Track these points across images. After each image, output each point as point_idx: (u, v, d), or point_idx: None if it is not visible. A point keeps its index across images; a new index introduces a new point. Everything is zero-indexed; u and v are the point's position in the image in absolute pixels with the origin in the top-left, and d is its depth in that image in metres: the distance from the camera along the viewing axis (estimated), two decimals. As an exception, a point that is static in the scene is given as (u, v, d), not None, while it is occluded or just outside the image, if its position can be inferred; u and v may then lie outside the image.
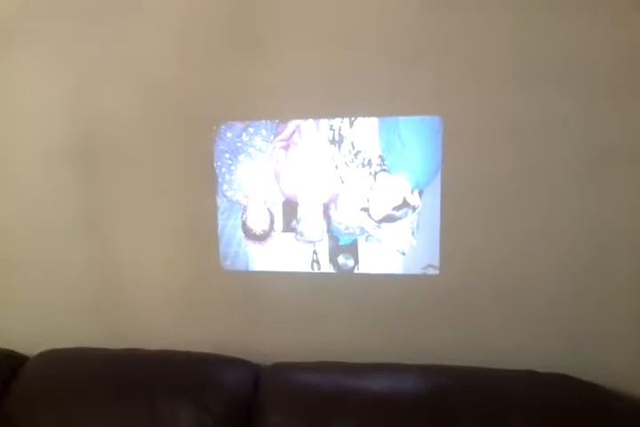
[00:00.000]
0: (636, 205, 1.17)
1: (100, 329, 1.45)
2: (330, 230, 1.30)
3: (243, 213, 1.33)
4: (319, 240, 1.31)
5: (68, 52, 1.33)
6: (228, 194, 1.33)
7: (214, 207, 1.34)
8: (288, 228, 1.32)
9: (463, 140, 1.21)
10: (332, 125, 1.26)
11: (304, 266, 1.33)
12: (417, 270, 1.27)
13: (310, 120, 1.27)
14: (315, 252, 1.32)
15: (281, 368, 1.26)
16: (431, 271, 1.27)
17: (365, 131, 1.25)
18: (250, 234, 1.34)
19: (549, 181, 1.19)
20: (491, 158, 1.20)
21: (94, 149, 1.37)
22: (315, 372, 1.24)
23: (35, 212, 1.42)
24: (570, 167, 1.18)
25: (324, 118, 1.26)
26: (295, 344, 1.35)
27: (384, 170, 1.25)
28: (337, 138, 1.26)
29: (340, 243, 1.30)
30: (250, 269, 1.35)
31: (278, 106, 1.27)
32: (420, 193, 1.24)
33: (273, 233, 1.33)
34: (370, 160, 1.26)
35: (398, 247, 1.27)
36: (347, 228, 1.29)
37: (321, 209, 1.30)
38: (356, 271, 1.31)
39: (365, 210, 1.28)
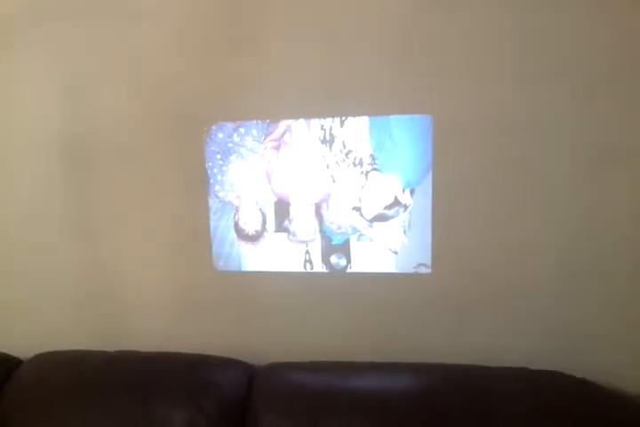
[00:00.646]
0: (634, 204, 1.17)
1: (94, 331, 1.45)
2: (322, 230, 1.30)
3: (235, 214, 1.33)
4: (311, 240, 1.31)
5: (65, 53, 1.33)
6: (220, 194, 1.33)
7: (206, 208, 1.33)
8: (280, 228, 1.32)
9: (457, 139, 1.20)
10: (322, 125, 1.26)
11: (297, 266, 1.33)
12: (409, 269, 1.27)
13: (301, 120, 1.26)
14: (307, 252, 1.32)
15: (275, 368, 1.27)
16: (423, 270, 1.27)
17: (356, 130, 1.24)
18: (242, 234, 1.34)
19: (543, 180, 1.19)
20: (484, 157, 1.20)
21: (86, 150, 1.37)
22: (308, 372, 1.24)
23: (30, 214, 1.42)
24: (565, 167, 1.18)
25: (316, 118, 1.25)
26: (289, 344, 1.35)
27: (375, 169, 1.25)
28: (328, 137, 1.26)
29: (333, 242, 1.31)
30: (243, 270, 1.35)
31: (269, 106, 1.27)
32: (412, 192, 1.24)
33: (265, 233, 1.33)
34: (361, 159, 1.26)
35: (390, 246, 1.28)
36: (339, 227, 1.30)
37: (313, 209, 1.30)
38: (348, 271, 1.31)
39: (357, 209, 1.28)
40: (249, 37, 1.24)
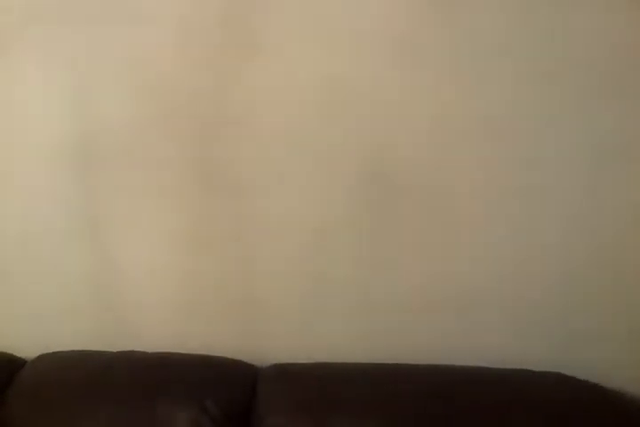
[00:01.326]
0: (635, 204, 1.17)
1: (97, 332, 1.44)
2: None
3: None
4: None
5: (67, 55, 1.33)
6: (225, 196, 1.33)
7: (213, 207, 1.34)
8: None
9: (459, 141, 1.21)
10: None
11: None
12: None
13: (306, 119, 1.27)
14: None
15: (279, 370, 1.26)
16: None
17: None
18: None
19: (546, 180, 1.20)
20: (489, 159, 1.21)
21: (92, 152, 1.37)
22: (313, 373, 1.24)
23: (32, 213, 1.42)
24: (568, 167, 1.19)
25: (319, 118, 1.27)
26: (293, 345, 1.35)
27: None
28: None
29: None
30: (248, 270, 1.35)
31: (275, 107, 1.28)
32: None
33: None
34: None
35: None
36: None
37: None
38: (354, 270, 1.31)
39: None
40: (251, 40, 1.26)
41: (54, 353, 1.38)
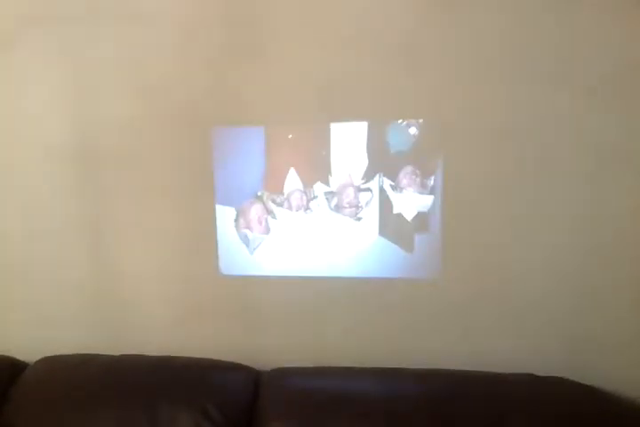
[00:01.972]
0: (638, 204, 1.17)
1: (99, 335, 1.45)
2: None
3: (241, 218, 1.33)
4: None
5: (68, 56, 1.34)
6: (226, 198, 1.33)
7: (212, 212, 1.34)
8: (286, 232, 1.32)
9: (463, 141, 1.21)
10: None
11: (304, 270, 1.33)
12: (417, 275, 1.27)
13: (305, 124, 1.27)
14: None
15: (281, 374, 1.27)
16: (431, 275, 1.27)
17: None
18: (248, 239, 1.34)
19: (549, 182, 1.20)
20: (490, 160, 1.21)
21: (93, 153, 1.37)
22: (314, 377, 1.24)
23: (33, 216, 1.43)
24: (571, 168, 1.18)
25: (320, 122, 1.26)
26: (295, 349, 1.35)
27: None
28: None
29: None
30: (249, 274, 1.35)
31: (274, 111, 1.28)
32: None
33: (271, 237, 1.33)
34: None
35: (400, 251, 1.28)
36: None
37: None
38: (355, 276, 1.31)
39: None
40: (250, 43, 1.25)
41: (56, 356, 1.38)
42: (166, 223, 1.37)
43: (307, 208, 1.30)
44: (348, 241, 1.29)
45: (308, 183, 1.29)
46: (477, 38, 1.17)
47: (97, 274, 1.43)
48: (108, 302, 1.44)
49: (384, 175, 1.26)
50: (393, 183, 1.26)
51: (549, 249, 1.22)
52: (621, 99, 1.14)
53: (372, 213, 1.27)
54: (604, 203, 1.18)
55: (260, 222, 1.32)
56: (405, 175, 1.25)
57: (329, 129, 1.26)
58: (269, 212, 1.32)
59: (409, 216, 1.26)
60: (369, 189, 1.27)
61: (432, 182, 1.24)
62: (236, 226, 1.34)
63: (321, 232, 1.30)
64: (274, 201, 1.31)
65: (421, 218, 1.25)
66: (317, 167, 1.28)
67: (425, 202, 1.25)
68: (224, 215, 1.33)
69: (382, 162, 1.25)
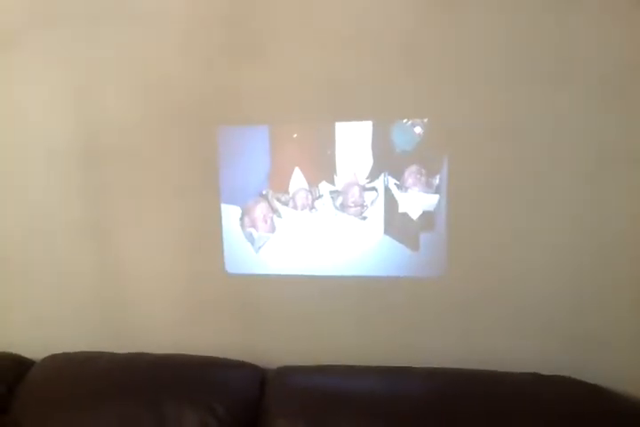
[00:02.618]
0: (638, 205, 1.17)
1: (104, 333, 1.46)
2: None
3: (246, 217, 1.34)
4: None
5: (71, 55, 1.34)
6: (232, 197, 1.33)
7: (218, 210, 1.34)
8: (292, 231, 1.32)
9: (468, 141, 1.21)
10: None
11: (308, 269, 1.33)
12: (423, 273, 1.28)
13: (310, 124, 1.27)
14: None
15: (286, 372, 1.27)
16: (436, 274, 1.27)
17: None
18: (253, 237, 1.34)
19: (551, 182, 1.20)
20: (495, 159, 1.21)
21: (97, 153, 1.38)
22: (320, 375, 1.24)
23: (37, 216, 1.43)
24: (572, 168, 1.18)
25: (325, 122, 1.26)
26: (300, 348, 1.35)
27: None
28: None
29: (344, 246, 1.31)
30: (254, 273, 1.36)
31: (279, 110, 1.28)
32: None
33: (276, 236, 1.33)
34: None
35: (404, 250, 1.28)
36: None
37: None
38: (360, 274, 1.31)
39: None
40: (255, 42, 1.26)
41: (62, 354, 1.39)
42: (171, 222, 1.37)
43: (312, 207, 1.30)
44: (353, 240, 1.30)
45: (313, 182, 1.29)
46: (480, 38, 1.17)
47: (102, 272, 1.43)
48: (114, 300, 1.44)
49: (389, 174, 1.26)
50: (398, 182, 1.26)
51: (553, 248, 1.22)
52: (623, 99, 1.14)
53: (377, 212, 1.28)
54: (606, 203, 1.18)
55: (266, 221, 1.33)
56: (410, 174, 1.25)
57: (334, 128, 1.26)
58: (275, 211, 1.32)
59: (414, 215, 1.26)
60: (374, 189, 1.27)
61: (437, 181, 1.24)
62: (242, 225, 1.34)
63: (326, 231, 1.31)
64: (279, 200, 1.31)
65: (427, 217, 1.26)
66: (322, 166, 1.28)
67: (430, 201, 1.25)
68: (229, 214, 1.34)
69: (387, 161, 1.26)
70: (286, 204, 1.31)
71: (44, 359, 1.38)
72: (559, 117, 1.17)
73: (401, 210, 1.27)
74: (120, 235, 1.40)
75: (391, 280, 1.29)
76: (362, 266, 1.30)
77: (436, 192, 1.25)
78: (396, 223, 1.27)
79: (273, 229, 1.33)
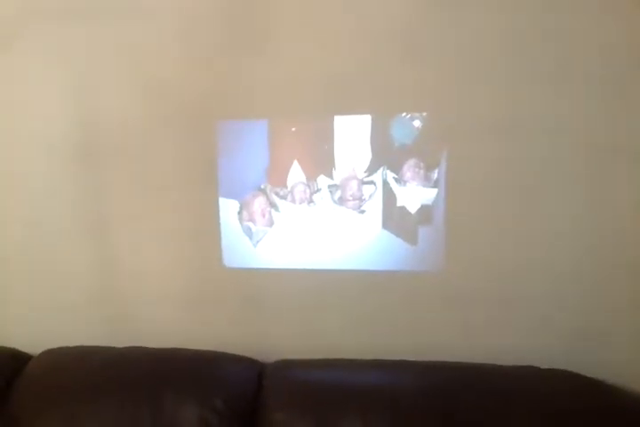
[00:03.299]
0: (638, 203, 1.17)
1: (103, 327, 1.45)
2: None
3: (244, 211, 1.33)
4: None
5: (69, 52, 1.33)
6: (230, 191, 1.33)
7: (216, 204, 1.34)
8: (290, 225, 1.32)
9: (466, 135, 1.21)
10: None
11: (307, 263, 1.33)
12: (421, 267, 1.28)
13: (309, 118, 1.27)
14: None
15: (285, 366, 1.27)
16: (434, 268, 1.27)
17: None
18: (252, 231, 1.34)
19: (550, 176, 1.20)
20: (494, 153, 1.21)
21: (95, 148, 1.37)
22: (319, 369, 1.24)
23: (36, 211, 1.43)
24: (573, 167, 1.19)
25: (324, 115, 1.26)
26: (299, 341, 1.35)
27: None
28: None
29: (343, 240, 1.31)
30: (252, 267, 1.35)
31: (278, 104, 1.28)
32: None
33: (275, 230, 1.33)
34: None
35: (404, 244, 1.28)
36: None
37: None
38: (358, 268, 1.31)
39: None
40: (253, 37, 1.25)
41: (59, 348, 1.38)
42: (169, 216, 1.37)
43: (310, 201, 1.30)
44: (351, 234, 1.30)
45: (311, 176, 1.29)
46: (480, 32, 1.17)
47: (100, 267, 1.43)
48: (111, 294, 1.44)
49: (388, 168, 1.26)
50: (396, 176, 1.26)
51: (552, 242, 1.22)
52: (622, 99, 1.14)
53: (375, 206, 1.28)
54: (605, 200, 1.18)
55: (264, 215, 1.33)
56: (409, 168, 1.25)
57: (332, 122, 1.26)
58: (273, 204, 1.32)
59: (412, 209, 1.26)
60: (372, 182, 1.27)
61: (436, 175, 1.24)
62: (240, 219, 1.34)
63: (324, 225, 1.30)
64: (277, 194, 1.31)
65: (425, 211, 1.26)
66: (321, 160, 1.28)
67: (428, 195, 1.25)
68: (227, 208, 1.34)
69: (386, 155, 1.25)
70: (284, 198, 1.31)
71: (42, 354, 1.38)
72: (558, 114, 1.17)
73: (399, 204, 1.27)
74: (118, 229, 1.40)
75: (389, 274, 1.29)
76: (360, 260, 1.30)
77: (434, 186, 1.25)
78: (394, 217, 1.27)
79: (271, 223, 1.33)
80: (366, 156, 1.26)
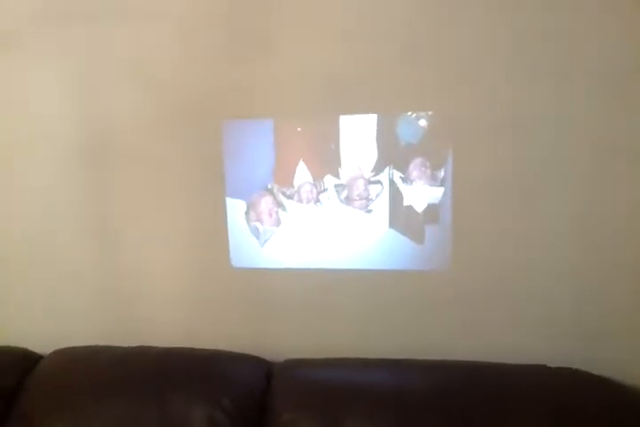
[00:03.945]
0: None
1: (112, 327, 1.46)
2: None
3: (251, 211, 1.34)
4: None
5: (77, 54, 1.34)
6: (237, 191, 1.34)
7: (223, 204, 1.34)
8: (297, 224, 1.33)
9: (473, 134, 1.21)
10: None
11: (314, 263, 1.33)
12: (428, 266, 1.28)
13: (315, 117, 1.27)
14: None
15: (293, 365, 1.27)
16: (441, 267, 1.27)
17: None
18: (259, 231, 1.35)
19: (549, 178, 1.19)
20: (500, 152, 1.21)
21: (104, 150, 1.38)
22: (326, 368, 1.25)
23: (46, 213, 1.44)
24: (575, 166, 1.18)
25: (330, 115, 1.26)
26: (306, 341, 1.35)
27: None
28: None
29: (349, 240, 1.31)
30: (260, 267, 1.36)
31: (283, 103, 1.28)
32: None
33: (282, 230, 1.33)
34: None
35: (410, 243, 1.28)
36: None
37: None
38: (365, 268, 1.31)
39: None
40: (258, 36, 1.26)
41: (69, 348, 1.39)
42: (177, 216, 1.38)
43: (317, 201, 1.30)
44: (358, 233, 1.30)
45: (317, 176, 1.29)
46: (483, 32, 1.16)
47: (108, 266, 1.44)
48: (120, 294, 1.45)
49: (394, 167, 1.26)
50: (403, 175, 1.26)
51: (558, 241, 1.21)
52: (622, 99, 1.13)
53: (382, 206, 1.28)
54: (607, 199, 1.18)
55: (271, 215, 1.33)
56: (415, 167, 1.25)
57: (338, 121, 1.26)
58: (279, 204, 1.32)
59: (419, 208, 1.26)
60: (379, 182, 1.27)
61: (442, 174, 1.24)
62: (247, 219, 1.34)
63: (331, 224, 1.31)
64: (284, 194, 1.32)
65: (432, 210, 1.25)
66: (327, 160, 1.28)
67: (435, 194, 1.25)
68: (234, 208, 1.34)
69: (392, 154, 1.25)
70: (291, 197, 1.31)
71: (52, 353, 1.39)
72: (560, 116, 1.16)
73: (406, 203, 1.27)
74: (126, 229, 1.41)
75: (396, 273, 1.29)
76: (367, 259, 1.31)
77: (441, 185, 1.24)
78: (401, 216, 1.27)
79: (278, 223, 1.33)
80: (372, 155, 1.26)
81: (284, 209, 1.32)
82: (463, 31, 1.17)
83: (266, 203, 1.33)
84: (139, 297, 1.44)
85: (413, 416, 1.09)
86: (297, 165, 1.30)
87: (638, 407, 1.10)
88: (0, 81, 1.40)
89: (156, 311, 1.44)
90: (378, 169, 1.27)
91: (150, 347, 1.35)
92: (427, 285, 1.29)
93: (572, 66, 1.14)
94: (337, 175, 1.28)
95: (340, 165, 1.28)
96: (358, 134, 1.26)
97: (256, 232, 1.35)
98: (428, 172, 1.25)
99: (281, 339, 1.37)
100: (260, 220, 1.34)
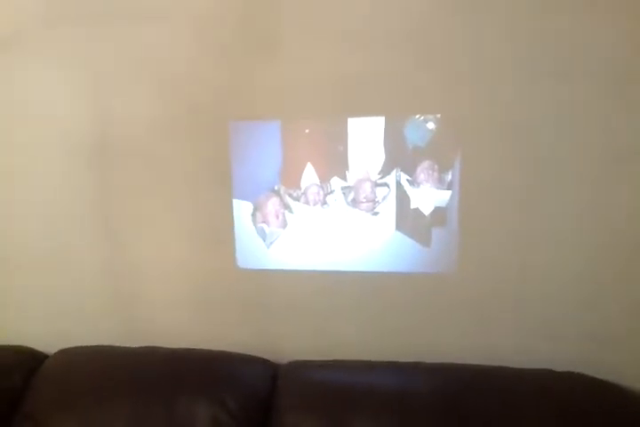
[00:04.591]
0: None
1: (117, 327, 1.46)
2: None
3: (258, 213, 1.34)
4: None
5: (84, 54, 1.34)
6: (243, 193, 1.33)
7: (230, 206, 1.34)
8: (303, 226, 1.33)
9: (481, 137, 1.21)
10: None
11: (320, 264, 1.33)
12: (434, 269, 1.28)
13: (322, 119, 1.27)
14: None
15: (298, 367, 1.28)
16: (447, 270, 1.27)
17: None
18: (265, 233, 1.35)
19: (556, 179, 1.19)
20: (508, 155, 1.21)
21: (109, 149, 1.38)
22: (331, 370, 1.25)
23: (52, 212, 1.44)
24: (581, 168, 1.18)
25: (337, 117, 1.26)
26: (311, 343, 1.36)
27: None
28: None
29: (356, 242, 1.31)
30: (266, 268, 1.36)
31: (291, 105, 1.28)
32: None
33: (288, 231, 1.33)
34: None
35: (416, 245, 1.28)
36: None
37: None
38: (371, 270, 1.31)
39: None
40: (267, 38, 1.25)
41: (75, 348, 1.40)
42: (183, 217, 1.38)
43: (323, 203, 1.30)
44: (364, 236, 1.30)
45: (324, 178, 1.29)
46: (493, 34, 1.16)
47: (114, 267, 1.44)
48: (126, 295, 1.45)
49: (401, 170, 1.26)
50: (410, 178, 1.26)
51: (568, 244, 1.21)
52: (629, 99, 1.13)
53: (388, 208, 1.28)
54: (614, 200, 1.17)
55: (277, 217, 1.33)
56: (423, 170, 1.25)
57: (346, 124, 1.26)
58: (286, 206, 1.32)
59: (426, 211, 1.26)
60: (386, 184, 1.27)
61: (450, 177, 1.24)
62: (253, 220, 1.34)
63: (338, 227, 1.31)
64: (291, 195, 1.31)
65: (439, 213, 1.25)
66: (334, 162, 1.28)
67: (442, 197, 1.25)
68: (241, 210, 1.34)
69: (399, 157, 1.25)
70: (298, 199, 1.31)
71: (58, 353, 1.39)
72: (567, 117, 1.16)
73: (413, 206, 1.27)
74: (132, 230, 1.41)
75: (403, 276, 1.29)
76: (373, 262, 1.31)
77: (448, 188, 1.24)
78: (407, 219, 1.27)
79: (284, 225, 1.33)
80: (380, 157, 1.26)
81: (290, 211, 1.32)
82: (472, 34, 1.17)
83: (272, 204, 1.33)
84: (144, 298, 1.44)
85: (418, 418, 1.09)
86: (304, 166, 1.30)
87: (642, 412, 1.10)
88: (15, 81, 1.39)
89: (161, 312, 1.44)
90: (385, 171, 1.26)
91: (156, 347, 1.35)
92: (433, 287, 1.29)
93: (578, 66, 1.14)
94: (344, 177, 1.28)
95: (347, 167, 1.28)
96: (366, 137, 1.26)
97: (262, 234, 1.35)
98: (436, 175, 1.25)
99: (286, 340, 1.38)
100: (266, 221, 1.34)
